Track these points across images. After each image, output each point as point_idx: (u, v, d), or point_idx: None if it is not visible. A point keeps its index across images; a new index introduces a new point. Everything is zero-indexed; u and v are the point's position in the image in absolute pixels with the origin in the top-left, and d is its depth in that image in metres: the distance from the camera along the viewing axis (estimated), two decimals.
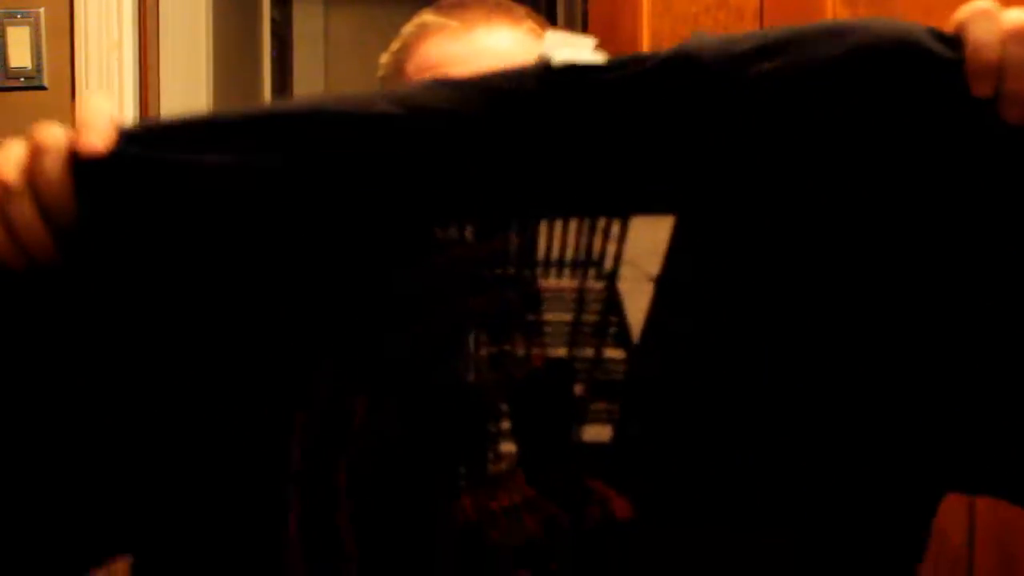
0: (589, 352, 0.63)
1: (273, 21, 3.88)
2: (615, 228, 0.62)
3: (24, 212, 0.62)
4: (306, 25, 4.75)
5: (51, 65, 2.30)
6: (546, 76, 0.61)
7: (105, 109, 0.65)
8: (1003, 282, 0.63)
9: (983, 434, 0.65)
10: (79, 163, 0.62)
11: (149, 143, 0.64)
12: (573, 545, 0.64)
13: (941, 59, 0.60)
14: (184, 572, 0.66)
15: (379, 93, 0.65)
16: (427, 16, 1.03)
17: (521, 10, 1.04)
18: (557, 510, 0.64)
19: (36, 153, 0.63)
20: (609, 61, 0.62)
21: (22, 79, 2.30)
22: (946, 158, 0.62)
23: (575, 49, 0.61)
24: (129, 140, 0.64)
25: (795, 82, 0.61)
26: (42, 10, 2.33)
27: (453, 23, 1.00)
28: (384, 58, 1.05)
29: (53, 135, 0.64)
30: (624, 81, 0.61)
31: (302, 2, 4.75)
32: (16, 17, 2.33)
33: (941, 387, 0.64)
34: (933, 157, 0.62)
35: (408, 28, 1.04)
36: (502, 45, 0.98)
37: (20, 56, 2.32)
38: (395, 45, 1.04)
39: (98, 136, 0.63)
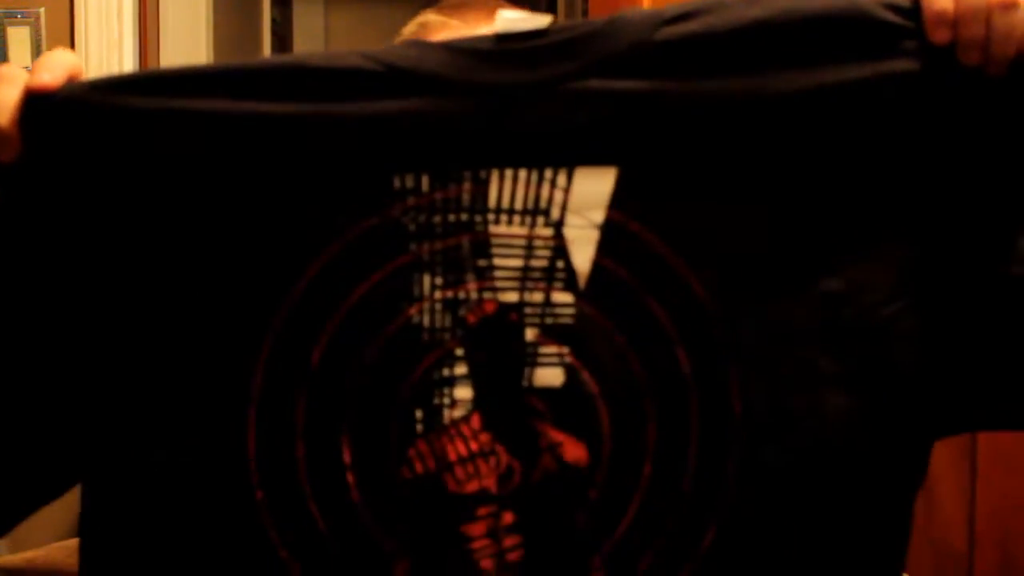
0: (539, 297, 0.66)
1: (273, 21, 3.89)
2: (561, 178, 0.66)
3: None
4: (306, 25, 4.76)
5: None
6: (500, 38, 0.67)
7: (64, 57, 0.67)
8: (984, 220, 0.66)
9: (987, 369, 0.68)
10: (26, 99, 0.65)
11: (114, 89, 0.66)
12: (527, 495, 0.66)
13: (886, 21, 0.65)
14: (141, 496, 0.67)
15: (353, 51, 0.68)
16: (429, 15, 1.03)
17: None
18: (510, 458, 0.66)
19: None
20: (552, 25, 0.67)
21: None
22: (882, 109, 0.66)
23: (529, 22, 0.68)
24: (94, 87, 0.66)
25: (711, 39, 0.66)
26: (42, 10, 2.33)
27: (455, 22, 1.00)
28: None
29: (11, 73, 0.67)
30: (562, 43, 0.66)
31: (302, 2, 4.76)
32: (16, 17, 2.33)
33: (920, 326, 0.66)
34: (865, 108, 0.66)
35: (409, 27, 1.04)
36: None
37: (20, 56, 2.32)
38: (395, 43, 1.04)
39: (49, 75, 0.66)
